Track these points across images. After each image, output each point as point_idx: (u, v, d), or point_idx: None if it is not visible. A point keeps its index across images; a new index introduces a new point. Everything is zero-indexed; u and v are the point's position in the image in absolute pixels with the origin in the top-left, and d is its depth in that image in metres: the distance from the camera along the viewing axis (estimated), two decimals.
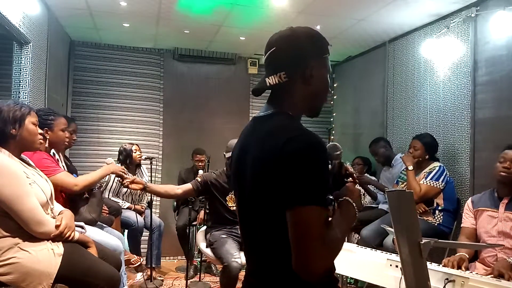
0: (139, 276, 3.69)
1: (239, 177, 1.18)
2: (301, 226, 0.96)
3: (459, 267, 2.16)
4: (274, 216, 1.04)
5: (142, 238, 4.15)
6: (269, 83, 1.14)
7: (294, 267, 0.97)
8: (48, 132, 2.50)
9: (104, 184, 3.77)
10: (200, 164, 4.46)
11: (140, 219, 3.85)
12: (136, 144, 4.12)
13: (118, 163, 4.01)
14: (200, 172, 4.36)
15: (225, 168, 3.12)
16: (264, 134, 1.09)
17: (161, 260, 4.41)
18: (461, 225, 2.59)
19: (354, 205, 1.16)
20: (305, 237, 0.96)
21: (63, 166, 2.72)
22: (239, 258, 2.72)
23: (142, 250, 4.24)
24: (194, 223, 4.25)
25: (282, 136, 1.02)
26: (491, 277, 1.91)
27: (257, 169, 1.08)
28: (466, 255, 2.30)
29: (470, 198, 2.60)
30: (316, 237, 0.95)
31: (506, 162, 2.35)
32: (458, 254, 2.32)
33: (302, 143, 1.01)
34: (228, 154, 2.90)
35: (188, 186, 3.03)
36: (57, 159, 2.67)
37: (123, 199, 3.91)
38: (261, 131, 1.12)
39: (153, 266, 3.89)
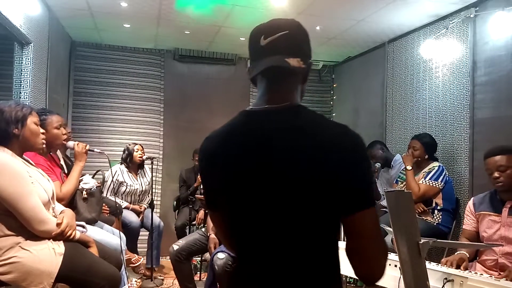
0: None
1: (252, 177, 0.98)
2: (371, 229, 0.94)
3: (458, 267, 2.15)
4: (319, 219, 0.95)
5: (142, 238, 4.16)
6: (293, 65, 0.97)
7: (363, 273, 0.96)
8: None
9: (106, 183, 3.78)
10: None
11: (136, 219, 3.84)
12: (140, 145, 4.13)
13: (120, 162, 4.05)
14: None
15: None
16: (295, 129, 0.95)
17: (162, 260, 4.42)
18: (462, 227, 2.57)
19: None
20: (376, 241, 0.95)
21: (63, 166, 2.72)
22: None
23: (140, 250, 4.25)
24: (194, 222, 4.26)
25: (330, 131, 0.95)
26: (495, 278, 1.90)
27: (299, 167, 0.92)
28: (467, 254, 2.28)
29: (472, 199, 2.55)
30: (383, 239, 0.95)
31: (493, 172, 2.32)
32: (458, 253, 2.30)
33: (357, 138, 0.95)
34: None
35: None
36: (58, 159, 2.68)
37: (121, 199, 3.92)
38: (286, 125, 0.97)
39: (152, 266, 3.90)
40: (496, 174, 2.31)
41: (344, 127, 0.96)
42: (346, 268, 1.00)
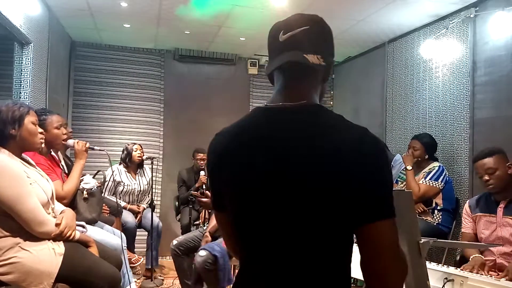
0: None
1: (262, 179, 0.92)
2: (389, 242, 0.86)
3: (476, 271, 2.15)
4: (331, 227, 0.88)
5: (141, 238, 4.16)
6: (312, 61, 0.93)
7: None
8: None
9: (106, 183, 3.78)
10: (202, 162, 4.47)
11: (132, 219, 3.83)
12: (140, 145, 4.14)
13: (119, 162, 4.06)
14: (202, 173, 4.38)
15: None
16: (311, 129, 0.90)
17: (162, 260, 4.43)
18: (462, 230, 2.59)
19: None
20: (396, 253, 0.88)
21: (63, 166, 2.72)
22: None
23: (140, 250, 4.26)
24: (197, 222, 4.26)
25: (348, 132, 0.89)
26: (495, 277, 1.91)
27: (312, 169, 0.86)
28: (482, 257, 2.27)
29: (467, 202, 2.58)
30: (403, 255, 0.90)
31: (483, 175, 2.33)
32: (475, 256, 2.27)
33: (377, 141, 0.89)
34: None
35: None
36: (58, 160, 2.68)
37: (119, 198, 3.92)
38: (301, 124, 0.91)
39: (152, 266, 3.90)
40: (486, 177, 2.33)
41: (363, 129, 0.90)
42: None
